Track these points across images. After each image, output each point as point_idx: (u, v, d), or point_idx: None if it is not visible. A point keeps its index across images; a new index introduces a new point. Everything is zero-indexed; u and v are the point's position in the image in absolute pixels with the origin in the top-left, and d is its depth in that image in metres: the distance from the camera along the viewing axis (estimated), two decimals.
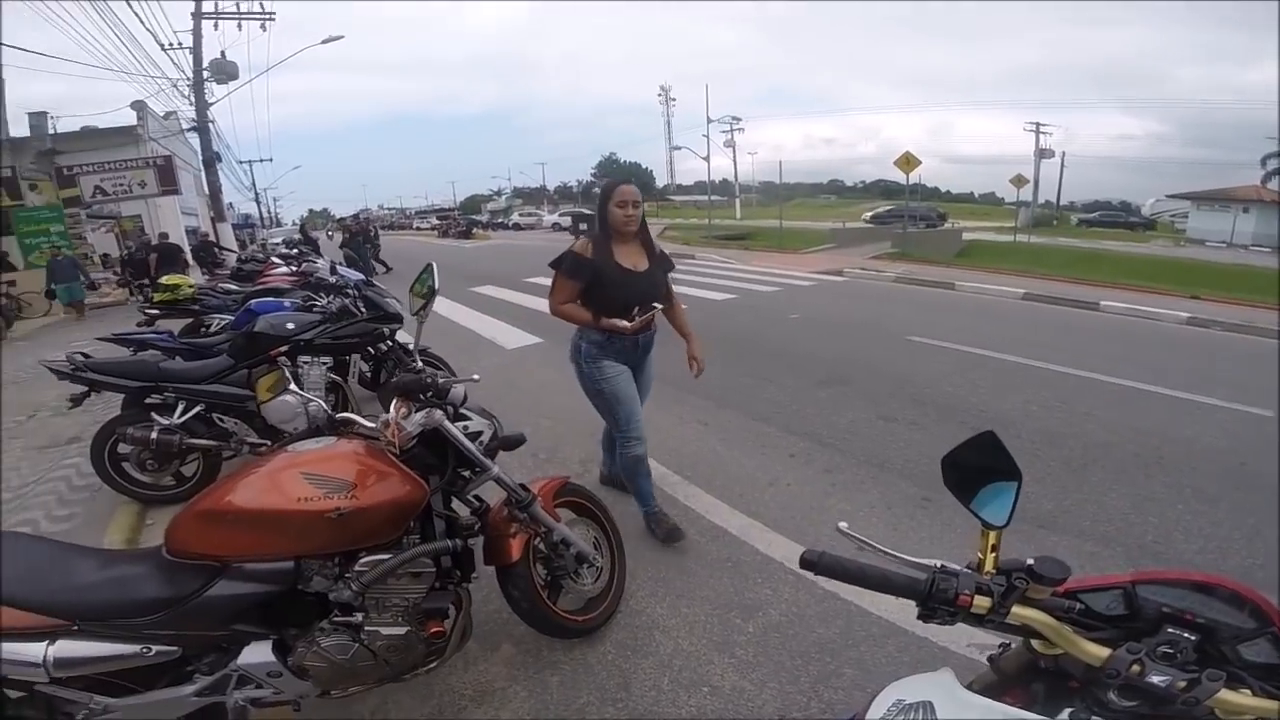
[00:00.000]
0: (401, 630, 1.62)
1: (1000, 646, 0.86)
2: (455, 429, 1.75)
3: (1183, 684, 0.66)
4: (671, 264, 2.88)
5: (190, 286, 6.20)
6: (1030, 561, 0.75)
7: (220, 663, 1.51)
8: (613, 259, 2.64)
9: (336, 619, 1.55)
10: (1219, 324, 8.36)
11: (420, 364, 2.04)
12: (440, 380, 1.82)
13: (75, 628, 1.36)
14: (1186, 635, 0.70)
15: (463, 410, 1.89)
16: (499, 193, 74.89)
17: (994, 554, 0.79)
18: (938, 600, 0.75)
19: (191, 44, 16.73)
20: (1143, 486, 3.37)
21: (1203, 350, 7.06)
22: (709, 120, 35.74)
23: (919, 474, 3.44)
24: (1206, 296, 10.49)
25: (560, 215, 39.46)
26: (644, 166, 74.90)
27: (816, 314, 8.33)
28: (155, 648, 1.41)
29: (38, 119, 14.77)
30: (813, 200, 67.88)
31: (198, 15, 16.65)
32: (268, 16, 17.32)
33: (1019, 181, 23.86)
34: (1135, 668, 0.68)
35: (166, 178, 15.18)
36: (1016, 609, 0.74)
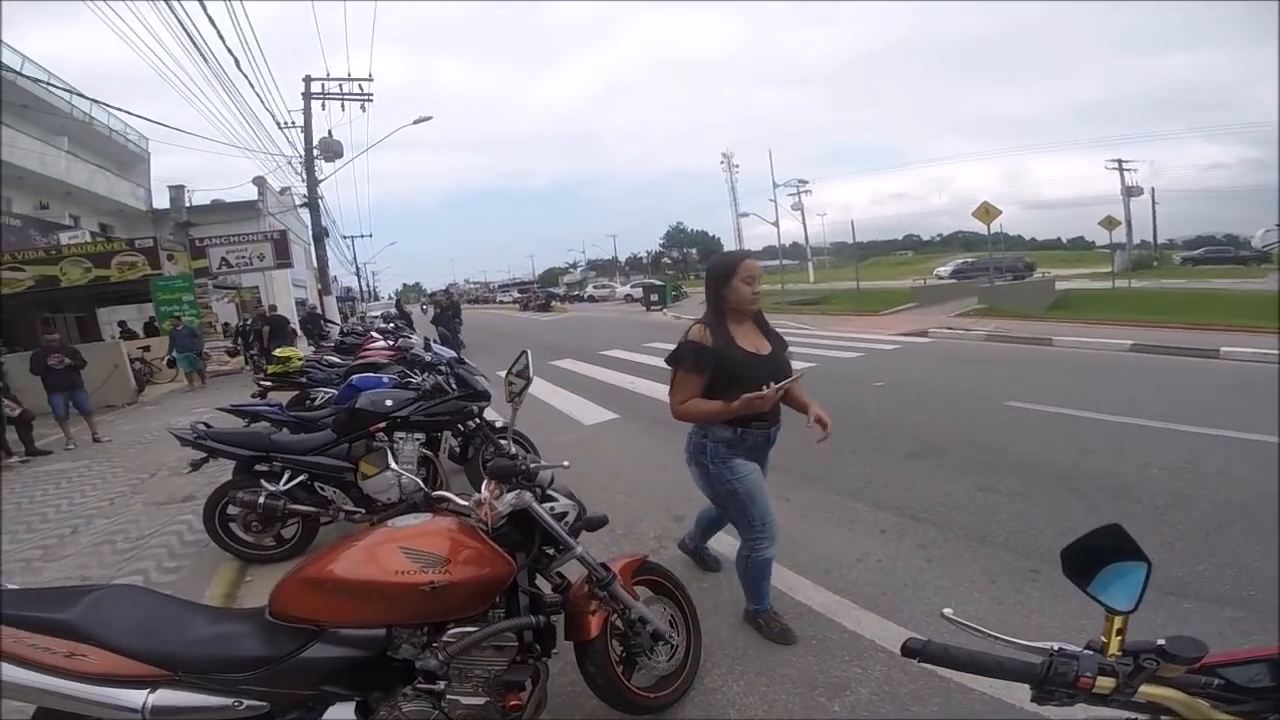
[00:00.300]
0: (480, 701, 1.68)
1: None
2: (543, 510, 1.84)
3: None
4: (786, 342, 2.61)
5: (300, 359, 6.82)
6: (1162, 642, 0.73)
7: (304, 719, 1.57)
8: (735, 343, 2.39)
9: (420, 685, 1.61)
10: None
11: (513, 448, 2.13)
12: (531, 465, 1.91)
13: (177, 678, 1.44)
14: None
15: (550, 492, 1.98)
16: (574, 265, 78.12)
17: (1119, 638, 0.77)
18: (1056, 684, 0.74)
19: (303, 123, 18.52)
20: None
21: None
22: (775, 185, 36.37)
23: (1024, 546, 3.20)
24: None
25: (632, 287, 40.65)
26: (711, 234, 76.13)
27: (902, 380, 8.01)
28: (247, 702, 1.48)
29: (176, 192, 16.76)
30: (888, 258, 66.64)
31: (307, 95, 18.61)
32: (367, 97, 19.07)
33: (1110, 223, 22.51)
34: None
35: (282, 251, 16.61)
36: (1145, 688, 0.72)
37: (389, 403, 3.91)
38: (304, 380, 6.28)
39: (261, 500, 3.47)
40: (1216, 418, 5.22)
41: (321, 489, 3.69)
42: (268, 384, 6.14)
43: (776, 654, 2.50)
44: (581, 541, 1.94)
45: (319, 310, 17.84)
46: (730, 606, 2.85)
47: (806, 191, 43.81)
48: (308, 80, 18.53)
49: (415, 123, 19.75)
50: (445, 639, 1.64)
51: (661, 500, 4.18)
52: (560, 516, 1.92)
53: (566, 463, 2.20)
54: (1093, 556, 0.83)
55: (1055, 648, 0.77)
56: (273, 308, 15.00)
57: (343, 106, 18.96)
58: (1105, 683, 0.73)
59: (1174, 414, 5.42)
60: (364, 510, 3.58)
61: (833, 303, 20.35)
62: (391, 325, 9.52)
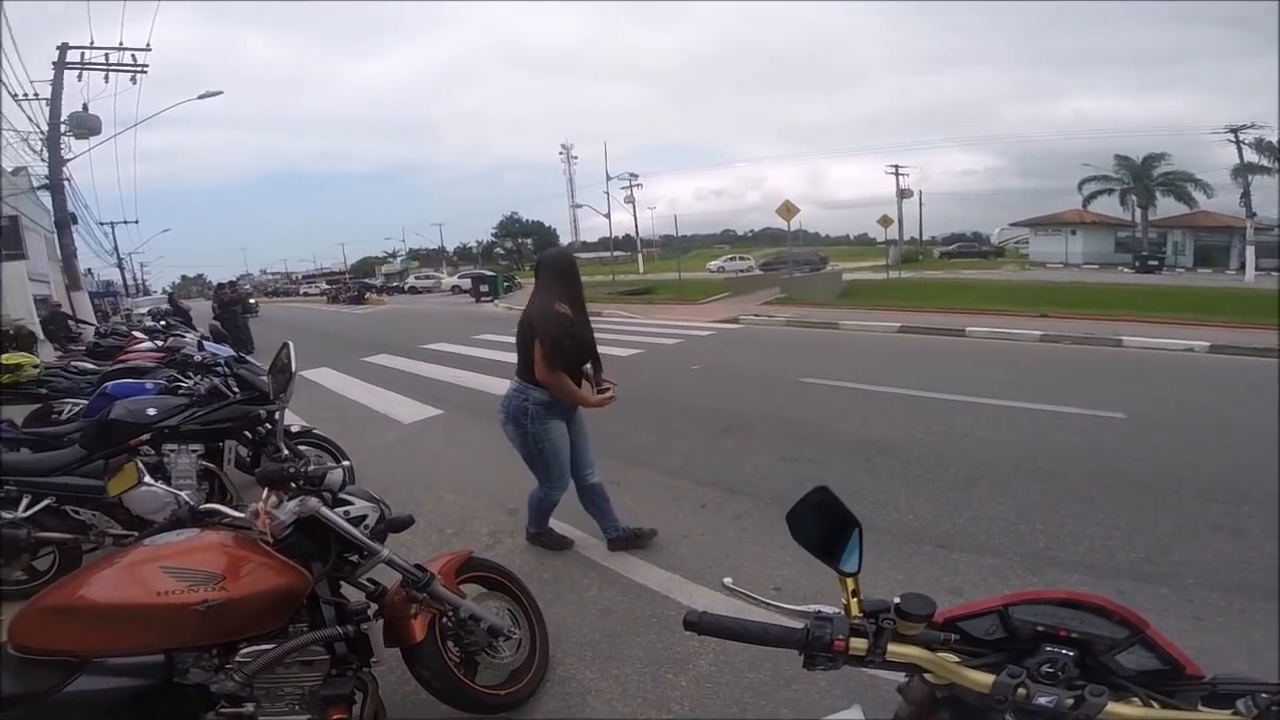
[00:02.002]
0: (301, 718, 1.61)
1: (907, 676, 0.86)
2: (334, 515, 1.71)
3: (1069, 702, 0.67)
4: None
5: (35, 366, 5.54)
6: (897, 600, 0.76)
7: None
8: (588, 325, 3.00)
9: (225, 710, 1.52)
10: (1067, 339, 9.42)
11: (286, 451, 1.91)
12: (311, 467, 1.75)
13: None
14: (1064, 651, 0.71)
15: (343, 495, 1.83)
16: (394, 255, 72.85)
17: (856, 599, 0.79)
18: (816, 648, 0.75)
19: (50, 95, 15.19)
20: (1025, 497, 3.65)
21: (1056, 364, 7.90)
22: (608, 177, 36.79)
23: None
24: (1054, 314, 11.80)
25: (460, 277, 38.96)
26: (547, 224, 75.09)
27: (716, 363, 8.60)
28: None
29: None
30: (708, 250, 71.04)
31: (60, 65, 15.27)
32: (139, 69, 16.09)
33: (885, 222, 26.31)
34: (1021, 691, 0.68)
35: (10, 240, 13.27)
36: (893, 647, 0.74)
37: (151, 411, 3.34)
38: (43, 391, 5.15)
39: None
40: (965, 387, 6.30)
41: (76, 513, 3.09)
42: None
43: (622, 637, 2.54)
44: (393, 544, 1.84)
45: (66, 309, 14.71)
46: (572, 594, 2.86)
47: (638, 185, 45.05)
48: (63, 49, 15.24)
49: (200, 97, 16.97)
50: (239, 659, 1.53)
51: (493, 495, 4.05)
52: (358, 520, 1.80)
53: (347, 462, 2.05)
54: (816, 519, 0.85)
55: (816, 611, 0.79)
56: None
57: (106, 78, 15.78)
58: (859, 644, 0.75)
59: (930, 384, 6.44)
60: (138, 534, 3.04)
61: (659, 292, 21.26)
62: (162, 323, 8.10)
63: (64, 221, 16.20)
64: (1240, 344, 8.42)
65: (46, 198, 16.78)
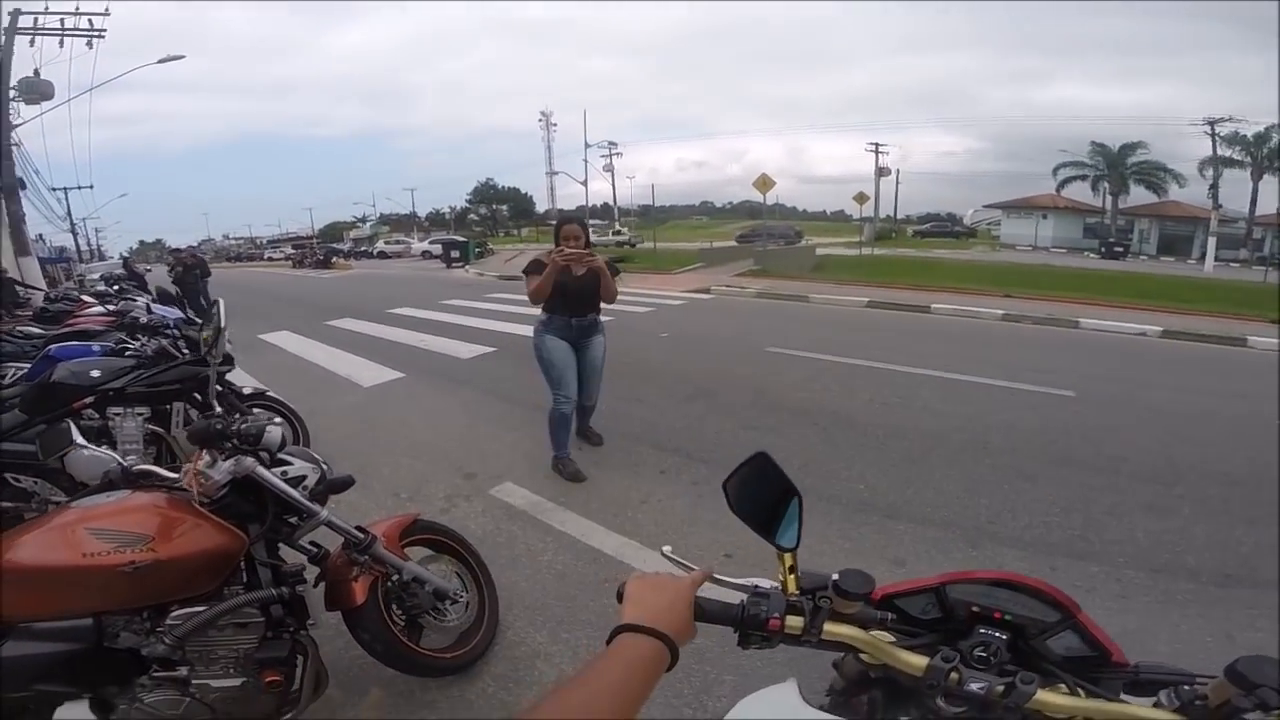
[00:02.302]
0: (236, 681, 1.59)
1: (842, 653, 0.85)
2: (271, 475, 1.69)
3: (1000, 689, 0.65)
4: (615, 270, 3.80)
5: None
6: (835, 577, 0.73)
7: None
8: (566, 270, 3.53)
9: (157, 674, 1.51)
10: (1028, 319, 9.64)
11: (219, 410, 1.88)
12: (245, 425, 1.71)
13: None
14: (997, 634, 0.70)
15: (282, 455, 1.79)
16: (363, 220, 71.00)
17: (793, 575, 0.76)
18: (751, 626, 0.73)
19: None
20: (973, 471, 3.75)
21: (1015, 342, 8.10)
22: (587, 145, 36.10)
23: None
24: (1017, 295, 12.05)
25: (431, 242, 38.18)
26: (524, 191, 74.06)
27: (685, 331, 8.61)
28: None
29: None
30: (686, 221, 70.77)
31: (11, 30, 14.48)
32: (95, 34, 15.37)
33: (861, 199, 26.45)
34: (953, 676, 0.67)
35: None
36: (829, 626, 0.72)
37: (95, 373, 3.22)
38: None
39: None
40: (925, 361, 6.42)
41: (16, 480, 2.99)
42: None
43: (575, 601, 2.56)
44: (329, 507, 1.81)
45: (13, 274, 14.19)
46: (527, 557, 2.86)
47: (618, 154, 44.41)
48: (15, 14, 14.40)
49: (161, 61, 16.30)
50: (170, 622, 1.51)
51: (451, 458, 4.04)
52: (297, 481, 1.77)
53: (279, 421, 2.01)
54: (755, 488, 0.82)
55: (753, 586, 0.76)
56: None
57: (60, 43, 15.10)
58: (795, 622, 0.72)
59: (892, 357, 6.55)
60: None
61: (634, 261, 21.10)
62: (115, 288, 7.80)
63: (11, 187, 15.52)
64: (1191, 330, 8.72)
65: None
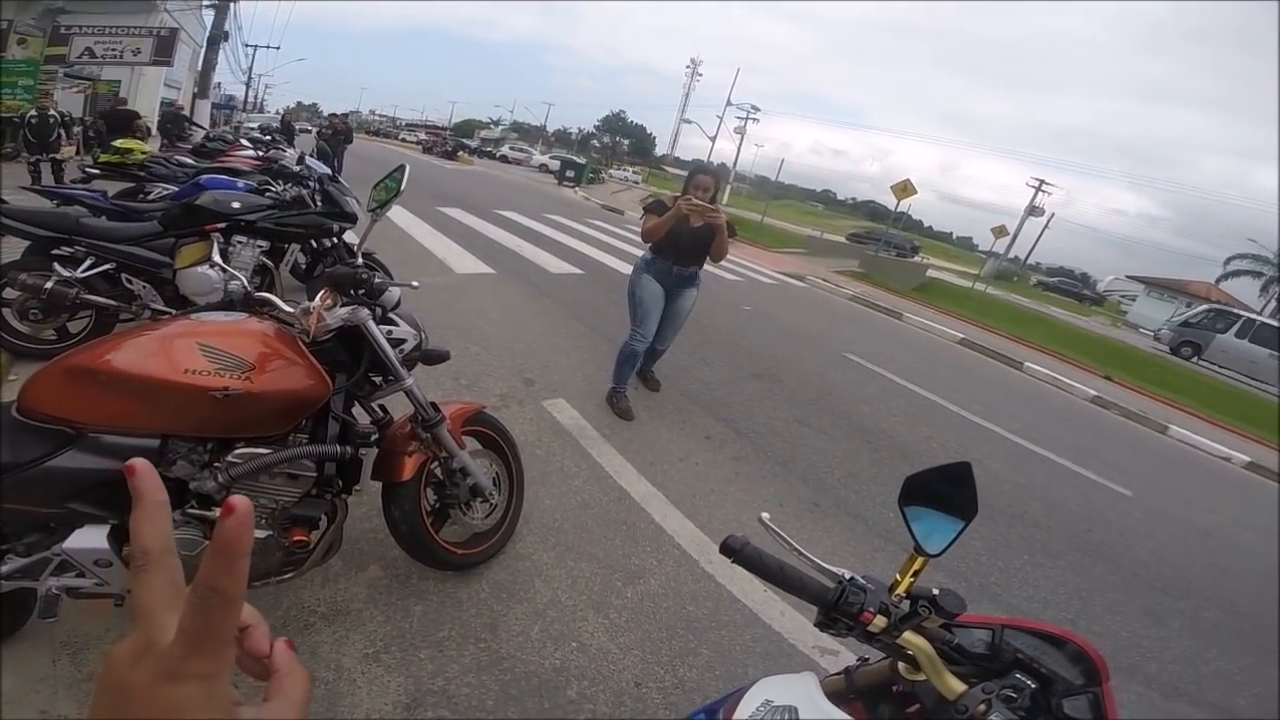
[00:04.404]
0: (262, 534, 1.53)
1: (859, 660, 0.89)
2: (378, 330, 1.67)
3: None
4: (732, 229, 3.72)
5: (144, 153, 5.91)
6: (936, 592, 0.76)
7: (41, 544, 1.36)
8: (684, 219, 3.54)
9: (191, 510, 1.43)
10: (1118, 407, 9.02)
11: (361, 261, 2.02)
12: (376, 280, 1.73)
13: None
14: (1028, 682, 0.73)
15: (392, 315, 1.82)
16: (497, 122, 72.68)
17: (913, 579, 0.80)
18: (842, 612, 0.75)
19: None
20: (1002, 534, 3.69)
21: (1096, 427, 7.64)
22: (729, 103, 34.88)
23: (814, 480, 3.67)
24: (1118, 380, 11.26)
25: (551, 158, 38.63)
26: (648, 131, 73.84)
27: (768, 311, 8.53)
28: None
29: None
30: (801, 204, 68.34)
31: None
32: None
33: (1000, 232, 24.62)
34: (982, 707, 0.70)
35: (164, 48, 14.99)
36: (908, 635, 0.75)
37: (236, 204, 3.50)
38: (143, 174, 5.46)
39: (49, 285, 2.91)
40: (998, 416, 6.19)
41: (130, 282, 3.22)
42: (94, 171, 5.20)
43: (590, 532, 2.61)
44: (414, 376, 1.79)
45: (185, 112, 15.55)
46: (558, 477, 2.94)
47: (755, 119, 42.81)
48: None
49: None
50: (231, 459, 1.45)
51: (516, 361, 4.25)
52: (397, 343, 1.76)
53: (416, 283, 2.11)
54: (931, 491, 0.84)
55: (849, 576, 0.78)
56: (122, 101, 13.05)
57: None
58: (880, 621, 0.74)
59: (966, 403, 6.34)
60: (176, 311, 3.22)
61: (736, 229, 20.73)
62: (268, 138, 8.43)
63: (216, 38, 17.10)
64: (1276, 468, 7.99)
65: (208, 16, 17.56)
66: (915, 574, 0.80)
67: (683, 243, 3.64)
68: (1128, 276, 45.26)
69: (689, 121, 53.22)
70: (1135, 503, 4.96)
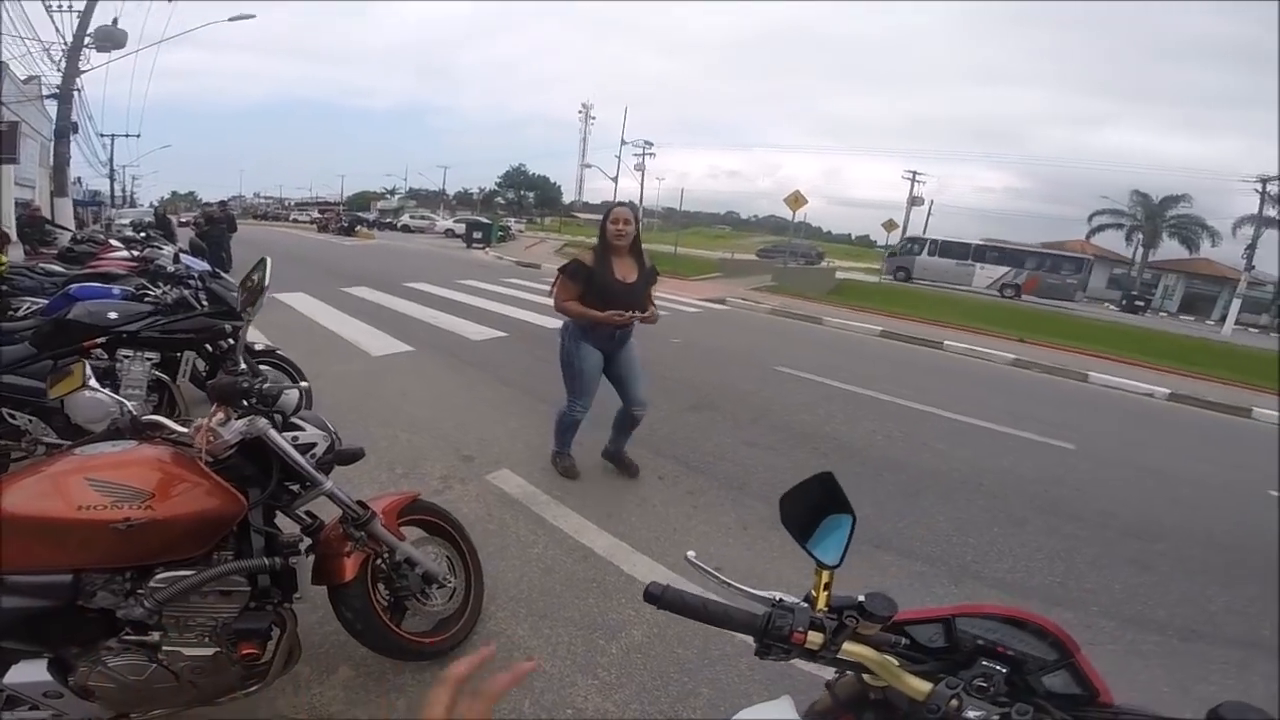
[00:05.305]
0: (209, 651, 1.51)
1: (837, 673, 0.88)
2: (282, 439, 1.63)
3: (996, 718, 0.69)
4: (655, 276, 3.46)
5: (2, 264, 5.38)
6: (861, 598, 0.76)
7: None
8: (610, 271, 3.27)
9: (128, 637, 1.43)
10: (1038, 366, 9.58)
11: (244, 366, 1.87)
12: (266, 386, 1.67)
13: None
14: (998, 668, 0.73)
15: (295, 419, 1.77)
16: (392, 192, 71.79)
17: (826, 592, 0.79)
18: (773, 637, 0.75)
19: (84, 7, 14.99)
20: (965, 510, 3.76)
21: (1022, 389, 8.05)
22: (623, 142, 35.90)
23: (773, 496, 3.52)
24: (1031, 340, 11.98)
25: (455, 221, 38.42)
26: (552, 180, 74.12)
27: (696, 339, 8.61)
28: None
29: None
30: (708, 230, 70.59)
31: None
32: None
33: (890, 226, 26.42)
34: (954, 702, 0.70)
35: (7, 145, 13.86)
36: (847, 645, 0.75)
37: (112, 315, 3.23)
38: (3, 288, 4.99)
39: None
40: (931, 398, 6.40)
41: (11, 416, 2.94)
42: None
43: (560, 597, 2.55)
44: (337, 477, 1.76)
45: (43, 213, 14.49)
46: (516, 548, 2.87)
47: (651, 154, 44.25)
48: None
49: (231, 20, 16.51)
50: (152, 585, 1.43)
51: (450, 439, 4.07)
52: (307, 448, 1.73)
53: (305, 384, 2.00)
54: (807, 505, 0.85)
55: (777, 598, 0.77)
56: None
57: None
58: (815, 638, 0.74)
59: (899, 391, 6.53)
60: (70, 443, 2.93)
61: (656, 264, 21.05)
62: (142, 235, 7.92)
63: (64, 130, 16.13)
64: (1199, 395, 8.66)
65: (53, 106, 16.67)
66: (827, 587, 0.79)
67: (619, 303, 3.29)
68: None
69: (589, 166, 54.52)
70: (1080, 455, 5.19)
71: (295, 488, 1.73)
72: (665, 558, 2.89)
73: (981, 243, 30.08)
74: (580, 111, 61.73)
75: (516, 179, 70.75)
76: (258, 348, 4.02)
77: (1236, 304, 29.75)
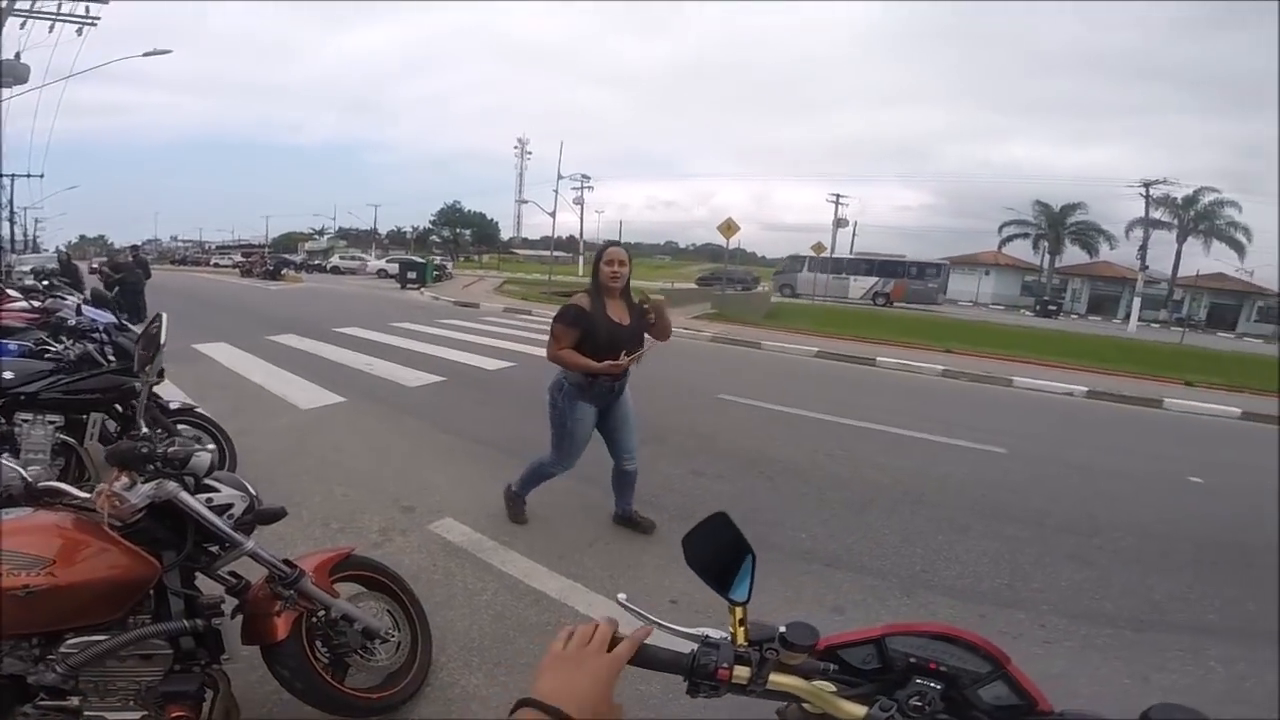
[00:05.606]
0: (134, 715, 1.52)
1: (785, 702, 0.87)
2: (195, 501, 1.61)
3: None
4: (646, 315, 3.24)
5: None
6: (783, 629, 0.76)
7: None
8: (605, 313, 3.10)
9: (44, 702, 1.43)
10: (966, 375, 10.06)
11: (146, 429, 1.79)
12: (173, 449, 1.64)
13: None
14: (932, 684, 0.72)
15: (209, 480, 1.72)
16: (321, 232, 69.39)
17: (743, 627, 0.79)
18: (700, 675, 0.74)
19: None
20: (909, 522, 3.85)
21: (953, 398, 8.43)
22: (560, 176, 35.99)
23: None
24: (958, 351, 12.57)
25: (388, 261, 37.52)
26: (489, 217, 72.94)
27: (639, 371, 8.50)
28: None
29: None
30: (649, 260, 71.60)
31: (4, 12, 13.96)
32: (88, 21, 14.96)
33: (819, 249, 27.48)
34: None
35: None
36: (775, 676, 0.74)
37: (8, 374, 3.02)
38: None
39: None
40: (869, 414, 6.60)
41: None
42: None
43: (513, 643, 2.48)
44: (266, 538, 1.75)
45: None
46: (464, 596, 2.78)
47: (589, 188, 44.72)
48: None
49: (145, 55, 15.90)
50: (64, 650, 1.43)
51: (389, 490, 3.90)
52: (224, 509, 1.70)
53: (211, 446, 1.94)
54: (710, 544, 0.85)
55: (704, 635, 0.78)
56: None
57: (51, 28, 14.80)
58: (742, 672, 0.74)
59: (838, 410, 6.72)
60: None
61: None
62: (45, 283, 7.36)
63: None
64: (1113, 390, 9.28)
65: None
66: (743, 622, 0.79)
67: (617, 347, 3.10)
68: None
69: (525, 201, 54.55)
70: (1012, 458, 5.44)
71: (215, 549, 1.70)
72: (621, 594, 2.82)
73: (853, 257, 33.27)
74: (516, 146, 61.98)
75: (452, 216, 69.72)
76: (173, 406, 3.76)
77: (1138, 302, 32.44)
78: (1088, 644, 2.71)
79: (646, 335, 3.27)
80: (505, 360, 8.49)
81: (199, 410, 3.87)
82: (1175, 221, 35.86)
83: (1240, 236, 35.06)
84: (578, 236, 50.84)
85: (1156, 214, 35.52)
